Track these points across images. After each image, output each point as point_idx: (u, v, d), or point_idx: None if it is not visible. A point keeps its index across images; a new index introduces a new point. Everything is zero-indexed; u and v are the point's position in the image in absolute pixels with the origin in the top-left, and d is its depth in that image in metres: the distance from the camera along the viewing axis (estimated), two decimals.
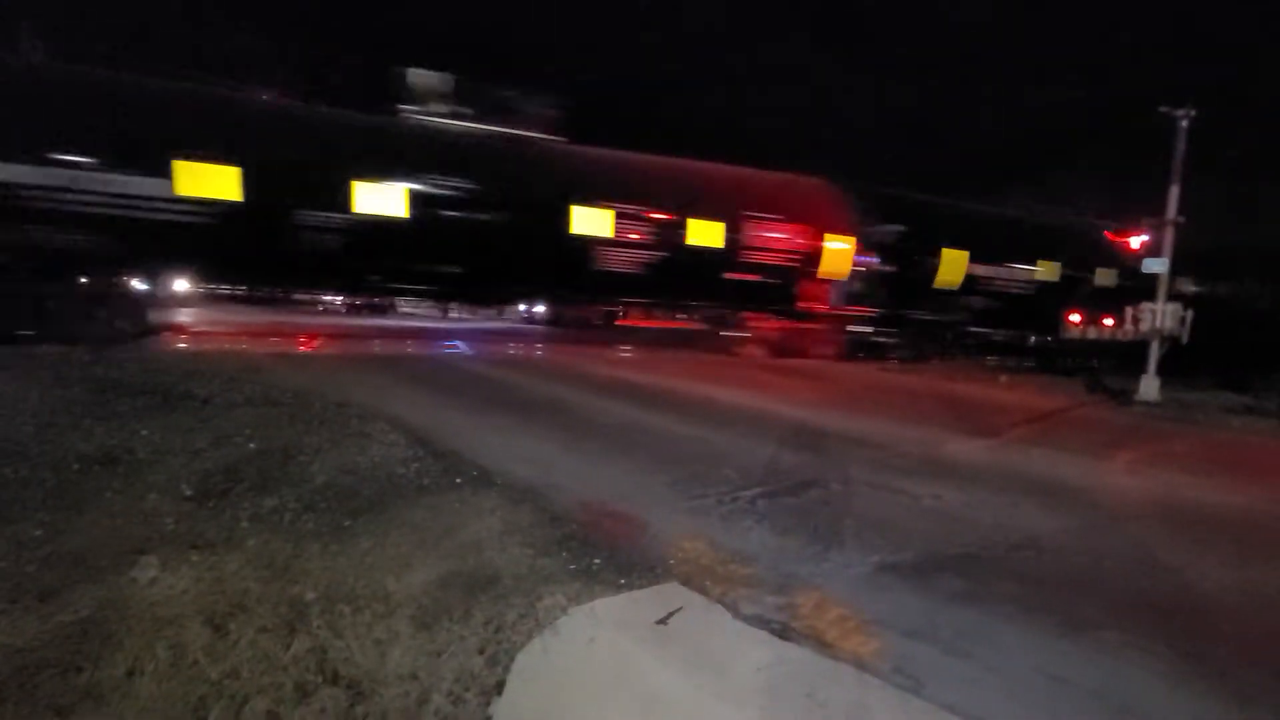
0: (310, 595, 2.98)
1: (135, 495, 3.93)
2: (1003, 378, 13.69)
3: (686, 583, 3.12)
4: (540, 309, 21.81)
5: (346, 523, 3.73)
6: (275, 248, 11.30)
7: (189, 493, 4.05)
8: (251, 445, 4.92)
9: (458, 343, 14.62)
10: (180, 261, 11.50)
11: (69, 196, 9.47)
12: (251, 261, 11.99)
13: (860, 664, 2.51)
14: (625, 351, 14.88)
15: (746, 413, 8.01)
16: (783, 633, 2.71)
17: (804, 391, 10.15)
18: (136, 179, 9.88)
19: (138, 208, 9.87)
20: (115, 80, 10.84)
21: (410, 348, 13.67)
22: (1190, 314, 11.97)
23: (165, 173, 10.00)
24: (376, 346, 13.07)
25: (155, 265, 11.44)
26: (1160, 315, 11.69)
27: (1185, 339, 11.92)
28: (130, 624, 2.68)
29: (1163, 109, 11.60)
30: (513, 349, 14.68)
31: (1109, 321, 13.89)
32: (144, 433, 5.04)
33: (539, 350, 15.03)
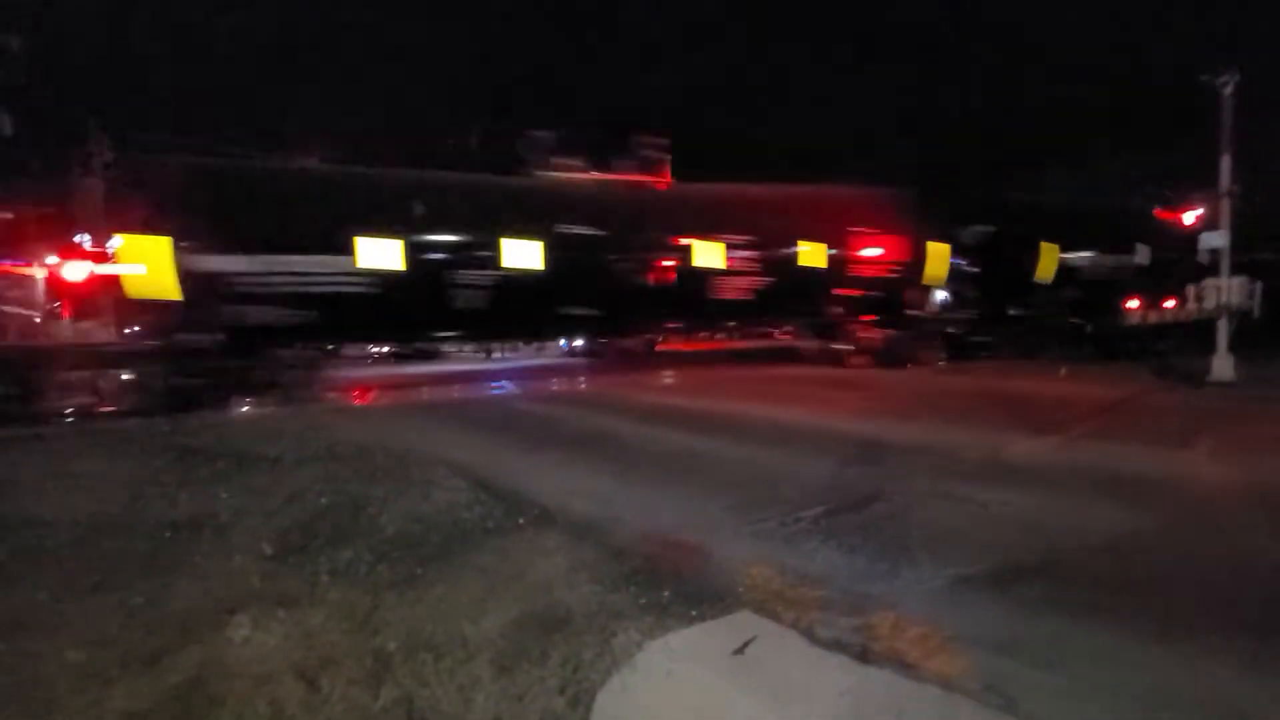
0: (392, 645, 3.07)
1: (222, 557, 4.14)
2: (1062, 370, 13.19)
3: (758, 610, 3.10)
4: (579, 343, 22.09)
5: (419, 571, 3.84)
6: (431, 307, 12.43)
7: (270, 551, 4.23)
8: (322, 500, 5.13)
9: (504, 382, 14.93)
10: (354, 327, 12.84)
11: (272, 279, 10.89)
12: (411, 321, 13.20)
13: (947, 683, 2.45)
14: (668, 378, 14.94)
15: (798, 429, 7.93)
16: (862, 655, 2.67)
17: (856, 402, 9.99)
18: (326, 258, 11.24)
19: (325, 282, 11.21)
20: (302, 171, 12.73)
21: (458, 391, 14.02)
22: (1259, 286, 11.37)
23: (348, 250, 11.36)
24: (425, 393, 13.46)
25: (334, 332, 12.82)
26: (1226, 290, 11.14)
27: (1257, 312, 11.32)
28: (230, 683, 2.82)
29: (1203, 77, 11.20)
30: (555, 384, 14.90)
31: (1170, 303, 13.30)
32: (224, 495, 5.31)
33: (585, 382, 15.22)
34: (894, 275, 15.64)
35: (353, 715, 2.65)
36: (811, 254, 14.99)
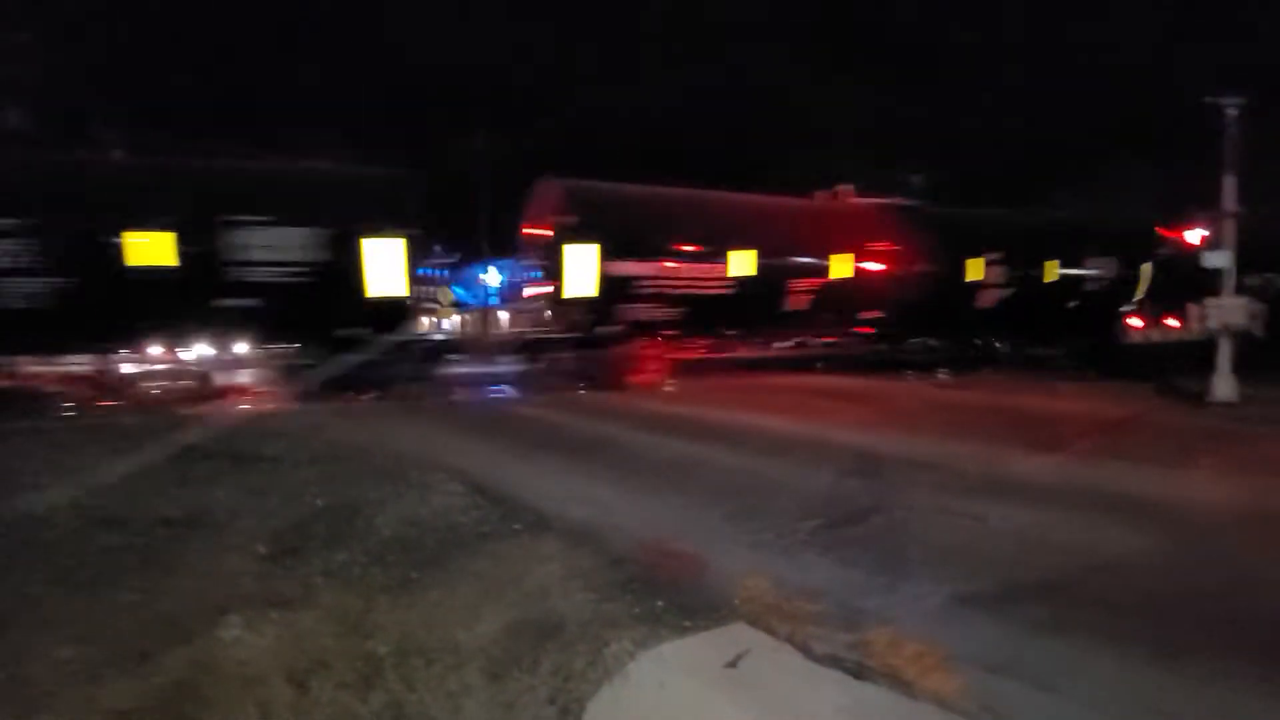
0: (383, 649, 3.05)
1: (216, 556, 4.12)
2: (1063, 386, 13.13)
3: (753, 622, 3.07)
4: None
5: (413, 575, 3.81)
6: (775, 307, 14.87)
7: (264, 551, 4.21)
8: (319, 502, 5.11)
9: (504, 387, 14.91)
10: (718, 323, 15.28)
11: (660, 281, 13.62)
12: (756, 319, 15.51)
13: (944, 703, 2.42)
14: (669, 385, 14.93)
15: (798, 440, 7.90)
16: (858, 672, 2.64)
17: (855, 414, 9.95)
18: (705, 265, 13.97)
19: (700, 286, 13.96)
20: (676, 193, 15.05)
21: (459, 395, 14.00)
22: (1263, 307, 11.34)
23: (721, 259, 14.02)
24: (425, 397, 13.45)
25: (698, 327, 15.06)
26: (1228, 310, 11.10)
27: (1259, 333, 11.28)
28: (220, 684, 2.80)
29: (1208, 99, 11.20)
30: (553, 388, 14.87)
31: (1173, 322, 13.27)
32: (220, 495, 5.29)
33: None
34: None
35: (342, 719, 2.62)
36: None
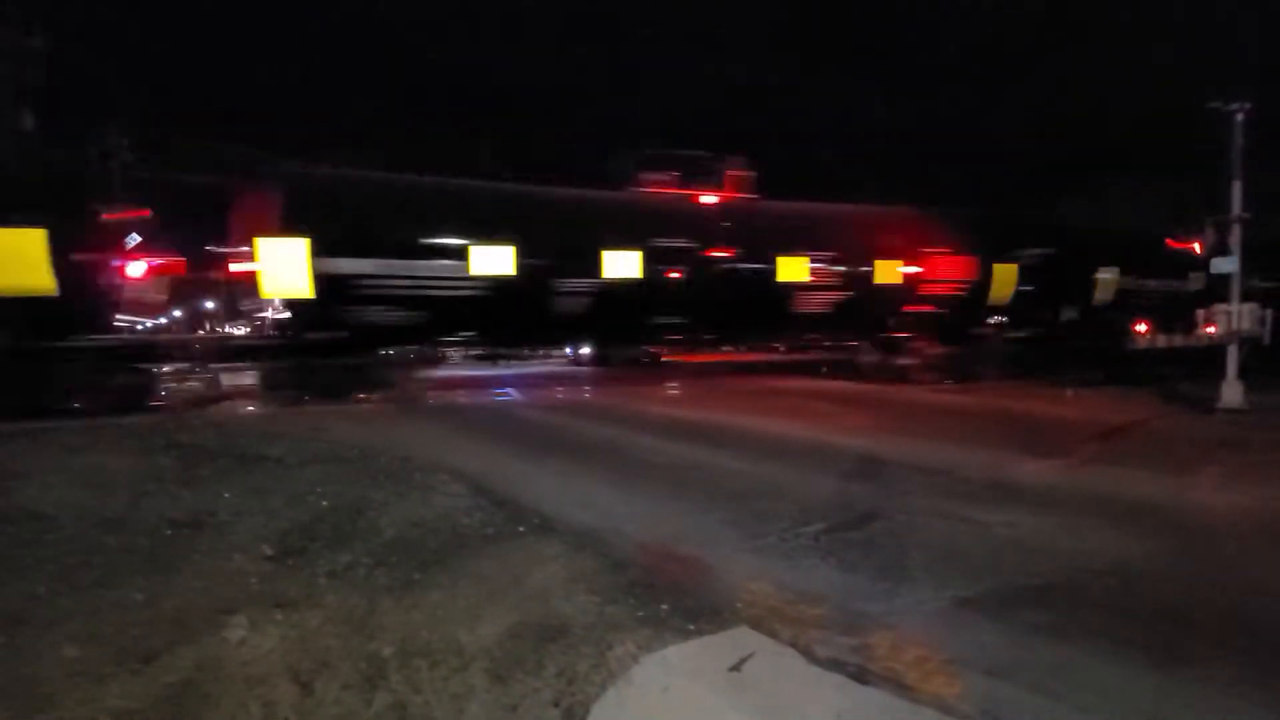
0: (387, 650, 3.06)
1: (221, 556, 4.14)
2: (1069, 392, 13.10)
3: (756, 626, 3.08)
4: (585, 351, 22.08)
5: (417, 576, 3.83)
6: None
7: (269, 552, 4.23)
8: (324, 503, 5.13)
9: (509, 390, 14.94)
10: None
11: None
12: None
13: (944, 707, 2.42)
14: (673, 389, 14.93)
15: (801, 444, 7.90)
16: (859, 675, 2.64)
17: (858, 419, 9.94)
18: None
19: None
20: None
21: (463, 397, 14.03)
22: (1270, 313, 11.29)
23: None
24: (431, 399, 13.48)
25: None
26: (1236, 316, 11.06)
27: (1267, 340, 11.23)
28: (225, 684, 2.81)
29: (1213, 104, 11.18)
30: (560, 393, 14.89)
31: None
32: (225, 495, 5.32)
33: (589, 392, 15.21)
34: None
35: None
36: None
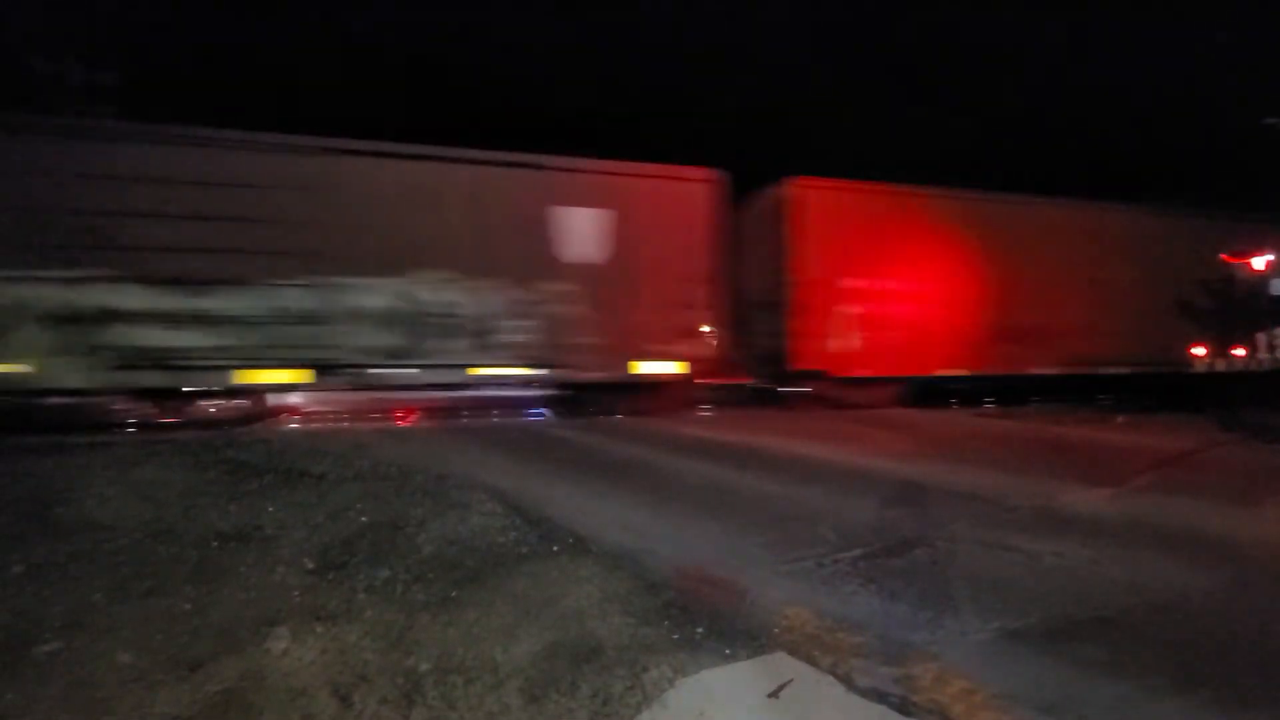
0: (424, 666, 3.09)
1: (265, 569, 4.25)
2: (1119, 418, 12.61)
3: (794, 652, 3.02)
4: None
5: (453, 593, 3.87)
6: None
7: (311, 566, 4.33)
8: (363, 519, 5.23)
9: (543, 410, 15.05)
10: None
11: None
12: None
13: None
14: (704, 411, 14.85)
15: (837, 468, 7.75)
16: (903, 707, 2.56)
17: (895, 443, 9.73)
18: None
19: None
20: None
21: (497, 417, 14.19)
22: None
23: None
24: (465, 418, 13.66)
25: None
26: None
27: None
28: (267, 694, 2.87)
29: (1268, 120, 10.82)
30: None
31: (1240, 351, 12.66)
32: (270, 509, 5.47)
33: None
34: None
35: None
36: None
